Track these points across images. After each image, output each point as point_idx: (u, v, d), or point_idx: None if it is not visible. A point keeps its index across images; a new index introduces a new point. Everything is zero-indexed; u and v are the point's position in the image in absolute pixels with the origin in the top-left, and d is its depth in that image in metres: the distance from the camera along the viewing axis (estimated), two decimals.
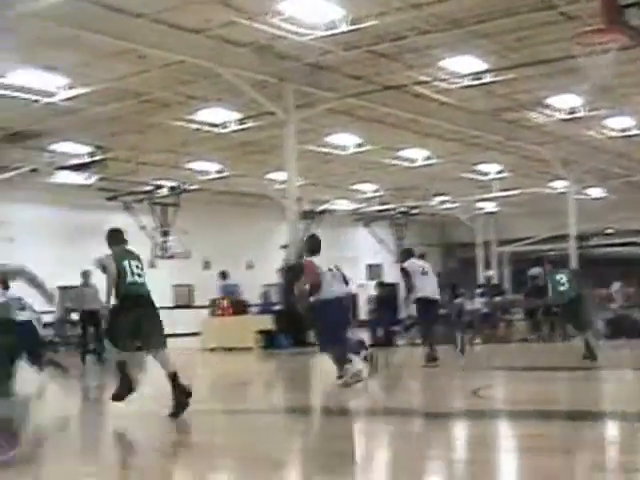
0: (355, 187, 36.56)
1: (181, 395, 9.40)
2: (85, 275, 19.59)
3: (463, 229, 42.74)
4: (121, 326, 9.56)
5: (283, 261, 22.91)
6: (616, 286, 24.48)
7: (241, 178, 31.84)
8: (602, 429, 8.35)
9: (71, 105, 21.37)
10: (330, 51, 18.91)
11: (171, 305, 34.41)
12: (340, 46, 18.63)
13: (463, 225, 42.10)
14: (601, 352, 14.86)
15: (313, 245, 12.08)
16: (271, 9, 16.69)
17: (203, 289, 30.56)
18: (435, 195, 38.50)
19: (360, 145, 28.28)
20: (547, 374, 13.54)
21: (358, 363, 12.07)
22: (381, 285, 25.62)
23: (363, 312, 32.27)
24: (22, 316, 11.99)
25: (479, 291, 25.34)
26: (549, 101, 24.36)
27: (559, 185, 34.76)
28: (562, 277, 14.86)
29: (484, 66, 20.53)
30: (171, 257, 31.40)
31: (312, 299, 11.79)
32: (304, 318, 14.65)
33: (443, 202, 39.46)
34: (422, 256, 20.62)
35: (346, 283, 12.03)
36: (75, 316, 22.02)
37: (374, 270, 39.94)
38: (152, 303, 9.72)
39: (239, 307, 24.47)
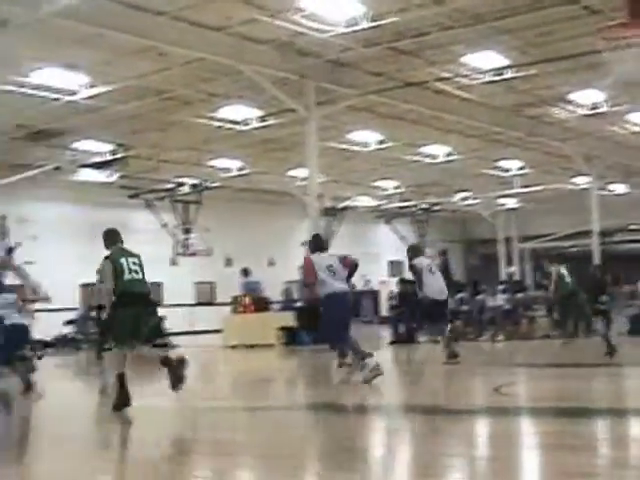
0: (376, 184, 36.51)
1: (176, 368, 9.57)
2: None
3: (485, 225, 42.62)
4: (120, 323, 9.65)
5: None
6: None
7: (262, 175, 31.89)
8: (625, 426, 8.29)
9: (93, 103, 21.47)
10: (351, 48, 18.88)
11: (193, 302, 34.58)
12: (361, 43, 18.60)
13: (485, 221, 41.99)
14: (624, 348, 14.78)
15: (316, 243, 12.42)
16: (292, 6, 16.69)
17: (225, 286, 30.63)
18: (456, 191, 38.40)
19: (381, 142, 28.23)
20: (570, 371, 13.47)
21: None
22: (403, 282, 25.53)
23: (385, 309, 32.29)
24: (14, 319, 12.19)
25: (501, 287, 25.22)
26: (571, 97, 24.22)
27: (581, 181, 34.55)
28: (564, 271, 15.82)
29: (506, 62, 20.44)
30: (193, 255, 31.50)
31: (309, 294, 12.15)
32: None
33: (464, 198, 39.36)
34: (444, 252, 20.64)
35: (347, 280, 12.24)
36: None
37: (396, 267, 39.92)
38: (150, 300, 9.86)
39: (261, 304, 24.49)
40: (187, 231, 31.50)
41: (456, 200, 39.30)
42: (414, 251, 15.19)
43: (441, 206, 39.76)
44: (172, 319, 27.74)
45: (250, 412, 10.28)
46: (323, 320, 12.30)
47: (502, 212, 41.91)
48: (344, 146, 28.02)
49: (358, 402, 10.77)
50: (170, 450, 7.89)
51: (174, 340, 26.17)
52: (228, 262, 33.94)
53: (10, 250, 14.81)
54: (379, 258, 40.07)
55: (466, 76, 21.20)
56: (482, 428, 8.63)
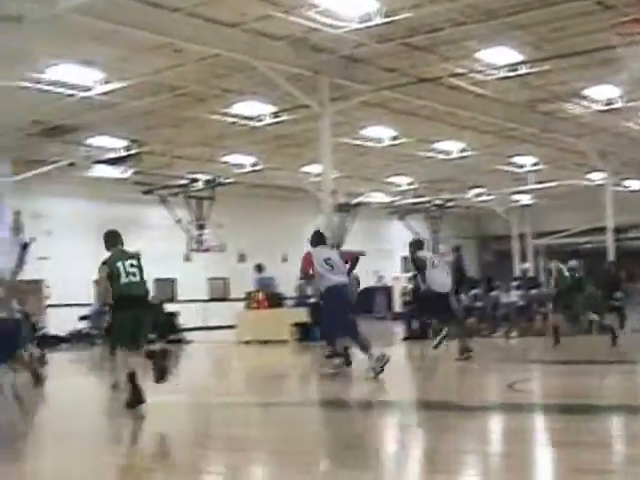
0: (390, 180, 36.47)
1: (159, 360, 9.65)
2: None
3: (499, 222, 42.54)
4: (119, 326, 9.85)
5: None
6: None
7: (276, 171, 31.90)
8: (639, 423, 8.28)
9: (107, 99, 21.53)
10: (365, 44, 18.86)
11: (206, 298, 34.65)
12: (375, 38, 18.58)
13: (499, 218, 41.90)
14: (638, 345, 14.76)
15: (316, 238, 12.76)
16: (306, 2, 16.68)
17: (238, 282, 30.67)
18: (470, 188, 38.33)
19: (395, 138, 28.19)
20: (583, 368, 13.45)
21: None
22: (416, 277, 25.52)
23: (398, 305, 32.27)
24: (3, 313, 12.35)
25: (515, 284, 25.18)
26: (586, 92, 24.11)
27: (596, 177, 34.43)
28: (563, 267, 16.85)
29: (520, 57, 20.37)
30: (206, 250, 31.58)
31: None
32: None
33: (478, 195, 39.28)
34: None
35: (348, 274, 12.66)
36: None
37: (409, 263, 39.83)
38: (147, 302, 9.97)
39: (274, 300, 24.52)
40: (201, 227, 31.60)
41: (470, 196, 39.23)
42: (416, 245, 15.46)
43: (455, 202, 39.70)
44: (186, 315, 27.88)
45: (263, 408, 10.31)
46: (323, 313, 12.63)
47: (516, 208, 41.82)
48: (358, 142, 28.00)
49: (371, 399, 10.78)
50: (183, 445, 7.92)
51: (188, 335, 26.29)
52: (242, 258, 34.00)
53: (25, 246, 14.89)
54: (392, 254, 40.01)
55: (480, 72, 21.15)
56: (496, 424, 8.64)
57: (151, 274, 33.67)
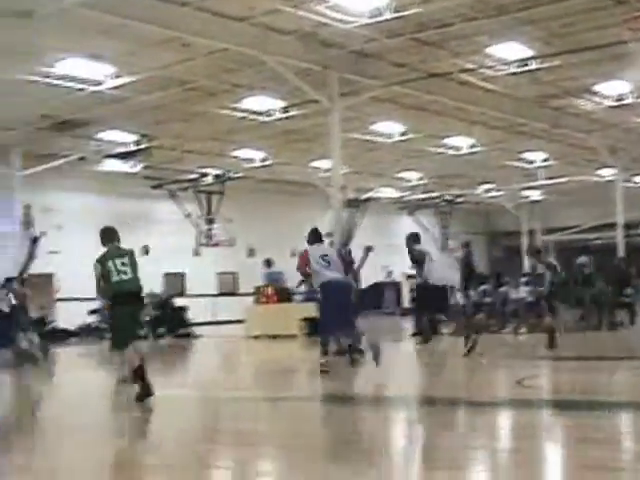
0: (400, 175, 36.42)
1: (144, 388, 9.71)
2: None
3: (508, 217, 42.47)
4: (117, 322, 10.16)
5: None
6: None
7: (285, 166, 31.90)
8: None
9: (117, 94, 21.55)
10: (375, 39, 18.83)
11: (215, 293, 34.69)
12: (384, 33, 18.54)
13: (508, 213, 41.83)
14: None
15: (313, 236, 12.99)
16: None
17: (247, 277, 30.72)
18: (480, 183, 38.24)
19: (404, 133, 28.16)
20: (593, 364, 13.41)
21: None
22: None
23: (407, 300, 32.25)
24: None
25: (524, 280, 25.12)
26: (596, 88, 24.03)
27: (606, 173, 34.32)
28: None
29: (530, 53, 20.31)
30: (216, 245, 31.61)
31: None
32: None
33: (488, 190, 39.19)
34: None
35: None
36: None
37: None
38: (138, 298, 10.13)
39: (283, 295, 24.54)
40: (210, 221, 31.62)
41: (479, 192, 39.15)
42: (414, 239, 15.55)
43: (464, 198, 39.63)
44: (195, 309, 27.90)
45: (272, 403, 10.32)
46: (320, 309, 12.72)
47: (526, 204, 41.73)
48: (367, 137, 27.97)
49: (380, 394, 10.77)
50: (192, 440, 7.93)
51: (197, 330, 26.33)
52: (251, 253, 34.02)
53: (35, 240, 14.97)
54: (402, 250, 39.87)
55: (490, 67, 21.10)
56: (504, 420, 8.62)
57: (160, 268, 33.91)
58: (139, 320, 10.28)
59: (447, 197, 38.99)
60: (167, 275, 32.73)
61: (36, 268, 15.81)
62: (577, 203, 39.18)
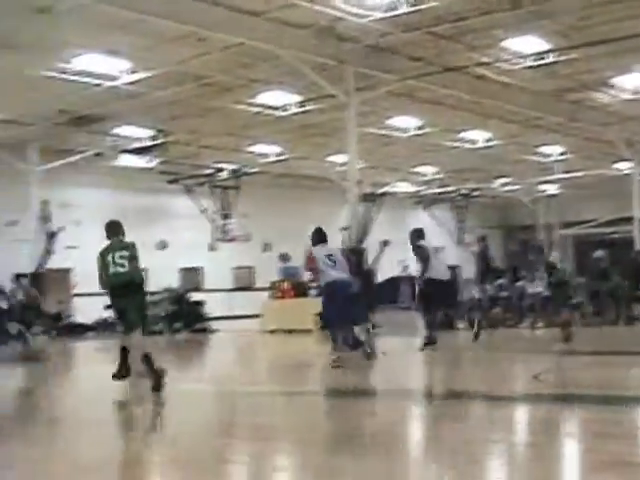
0: (415, 169, 36.37)
1: (156, 377, 9.86)
2: None
3: (525, 211, 42.34)
4: (116, 313, 10.53)
5: (342, 244, 22.90)
6: None
7: (301, 161, 31.90)
8: None
9: (133, 89, 21.60)
10: (390, 33, 18.77)
11: (231, 287, 34.76)
12: (400, 27, 18.48)
13: (525, 207, 41.70)
14: None
15: (317, 237, 13.19)
16: None
17: (263, 271, 30.77)
18: (496, 177, 38.14)
19: (420, 127, 28.11)
20: (610, 358, 13.36)
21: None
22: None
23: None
24: None
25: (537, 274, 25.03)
26: (613, 81, 23.91)
27: (623, 167, 34.16)
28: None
29: (547, 46, 20.21)
30: (232, 240, 31.67)
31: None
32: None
33: (504, 184, 39.09)
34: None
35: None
36: None
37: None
38: (134, 289, 10.31)
39: (299, 289, 24.56)
40: (226, 216, 31.69)
41: (496, 186, 39.04)
42: (419, 234, 15.50)
43: (481, 192, 39.54)
44: (211, 304, 27.98)
45: (288, 397, 10.33)
46: (323, 307, 13.05)
47: (542, 198, 41.58)
48: (383, 132, 27.94)
49: (395, 388, 10.77)
50: (208, 434, 7.95)
51: (213, 324, 26.40)
52: (266, 247, 34.03)
53: (52, 235, 15.06)
54: None
55: (506, 61, 21.01)
56: (521, 415, 8.61)
57: (177, 263, 33.97)
58: (140, 308, 10.38)
59: (463, 191, 38.91)
60: (183, 270, 32.82)
61: (54, 263, 15.89)
62: (594, 197, 39.01)
